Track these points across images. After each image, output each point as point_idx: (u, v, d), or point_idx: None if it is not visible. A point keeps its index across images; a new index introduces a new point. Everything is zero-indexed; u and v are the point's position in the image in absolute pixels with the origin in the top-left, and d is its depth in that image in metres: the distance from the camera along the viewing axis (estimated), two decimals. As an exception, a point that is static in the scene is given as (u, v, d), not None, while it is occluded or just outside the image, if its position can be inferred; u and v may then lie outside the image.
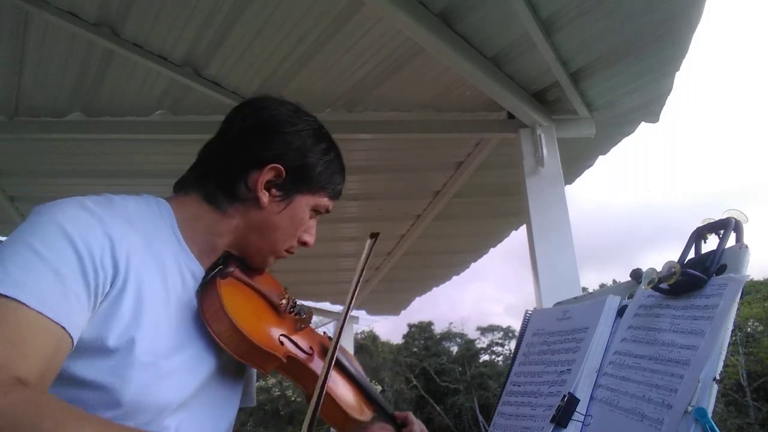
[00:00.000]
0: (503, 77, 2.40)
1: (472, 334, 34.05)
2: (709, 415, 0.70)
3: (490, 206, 3.85)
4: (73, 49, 2.39)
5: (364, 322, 6.90)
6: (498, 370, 29.83)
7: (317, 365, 1.03)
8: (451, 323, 34.62)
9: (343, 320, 1.00)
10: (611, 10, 1.99)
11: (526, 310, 1.25)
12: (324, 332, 1.16)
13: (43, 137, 2.82)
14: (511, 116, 2.64)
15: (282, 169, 0.95)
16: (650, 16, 2.02)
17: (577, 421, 0.90)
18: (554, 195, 2.50)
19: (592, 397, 0.92)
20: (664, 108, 2.63)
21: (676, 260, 0.89)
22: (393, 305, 6.31)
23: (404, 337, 33.88)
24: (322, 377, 0.91)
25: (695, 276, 0.84)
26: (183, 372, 0.87)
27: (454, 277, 5.39)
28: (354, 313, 6.32)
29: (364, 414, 1.12)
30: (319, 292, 5.46)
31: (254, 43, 2.34)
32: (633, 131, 2.86)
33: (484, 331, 33.98)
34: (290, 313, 1.06)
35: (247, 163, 0.96)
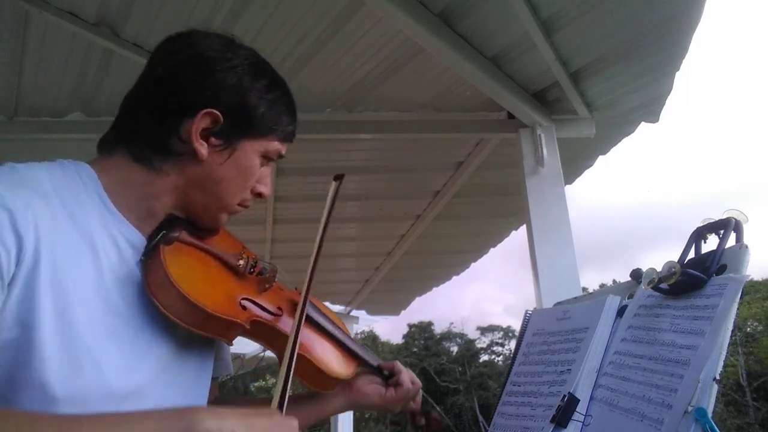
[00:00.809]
0: (503, 77, 2.40)
1: (472, 334, 34.07)
2: (709, 415, 0.70)
3: (490, 206, 3.85)
4: (73, 49, 2.39)
5: (364, 322, 6.90)
6: (498, 370, 29.83)
7: (287, 325, 0.93)
8: (452, 323, 34.62)
9: (310, 273, 0.93)
10: (611, 10, 1.99)
11: (526, 310, 1.25)
12: (296, 288, 1.04)
13: (43, 137, 2.81)
14: (511, 116, 2.64)
15: (218, 113, 0.82)
16: (650, 16, 2.02)
17: (577, 421, 0.90)
18: (554, 195, 2.50)
19: (592, 397, 0.92)
20: (664, 108, 2.63)
21: (676, 260, 0.90)
22: (393, 305, 6.31)
23: (404, 337, 33.89)
24: (293, 335, 0.83)
25: (695, 276, 0.84)
26: (128, 356, 0.77)
27: (454, 277, 5.39)
28: (354, 313, 6.32)
29: (347, 370, 1.05)
30: (319, 292, 5.44)
31: (254, 43, 2.30)
32: (633, 131, 2.86)
33: (484, 331, 33.99)
34: (251, 273, 0.95)
35: (176, 112, 0.82)
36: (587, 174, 3.25)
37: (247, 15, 2.19)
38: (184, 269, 0.81)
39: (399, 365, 1.16)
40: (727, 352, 0.74)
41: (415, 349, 32.98)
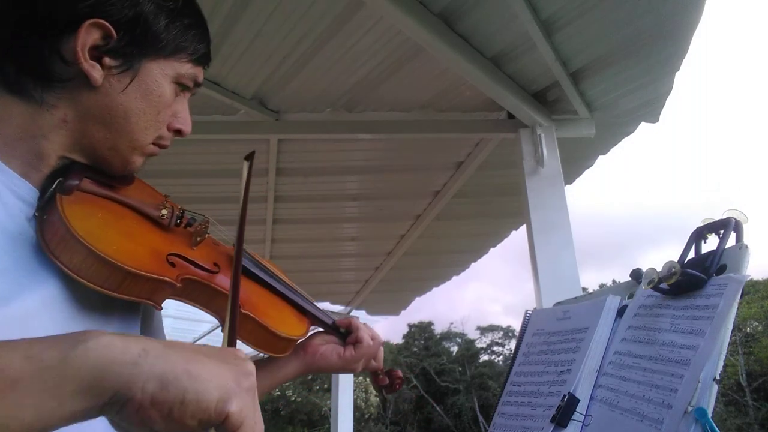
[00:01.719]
0: (503, 77, 2.40)
1: (472, 334, 34.09)
2: (709, 415, 0.70)
3: (490, 206, 3.85)
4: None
5: (364, 322, 6.90)
6: (498, 370, 29.85)
7: (226, 283, 0.80)
8: (452, 323, 34.65)
9: (240, 224, 0.79)
10: (611, 10, 1.99)
11: (526, 310, 1.25)
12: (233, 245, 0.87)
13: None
14: (511, 116, 2.65)
15: (107, 25, 0.67)
16: (650, 16, 2.02)
17: (577, 421, 0.90)
18: (554, 195, 2.50)
19: (592, 397, 0.92)
20: (664, 108, 2.63)
21: (676, 260, 0.90)
22: (393, 305, 6.32)
23: (404, 337, 33.91)
24: (232, 291, 0.72)
25: (695, 276, 0.84)
26: (27, 324, 0.61)
27: (454, 277, 5.40)
28: (354, 313, 6.31)
29: (299, 329, 0.92)
30: (319, 292, 5.46)
31: (254, 43, 2.34)
32: (633, 131, 2.86)
33: (484, 331, 34.02)
34: (178, 225, 0.81)
35: (52, 25, 0.67)
36: (587, 174, 3.26)
37: (247, 15, 2.19)
38: (92, 222, 0.68)
39: (356, 321, 1.05)
40: (727, 352, 0.74)
41: (415, 349, 33.00)
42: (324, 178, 3.39)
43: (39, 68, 0.68)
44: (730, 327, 0.76)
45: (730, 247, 0.85)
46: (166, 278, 0.70)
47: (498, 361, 32.43)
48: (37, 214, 0.68)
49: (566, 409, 0.90)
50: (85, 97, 0.70)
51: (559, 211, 2.48)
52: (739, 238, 0.84)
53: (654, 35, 2.11)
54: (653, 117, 2.71)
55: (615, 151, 3.04)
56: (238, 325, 0.74)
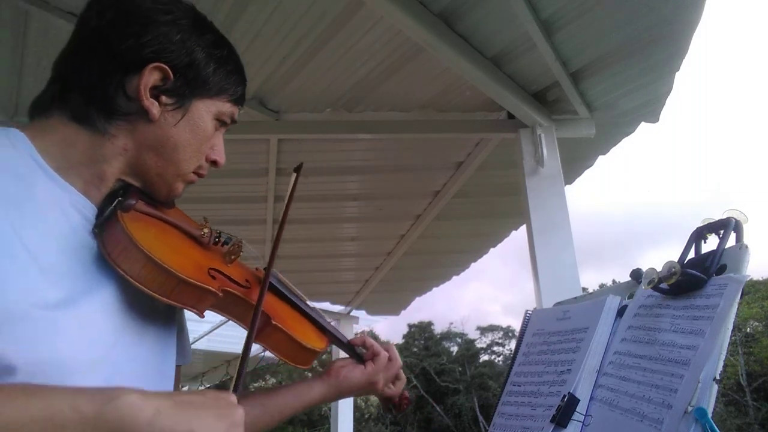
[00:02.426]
0: (503, 77, 2.40)
1: (472, 334, 34.09)
2: (709, 415, 0.70)
3: (490, 206, 3.85)
4: (73, 49, 2.38)
5: (364, 322, 6.89)
6: (498, 370, 29.85)
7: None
8: (452, 323, 34.65)
9: (275, 241, 0.91)
10: (611, 10, 1.99)
11: (526, 310, 1.25)
12: (257, 268, 1.01)
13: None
14: (511, 116, 2.65)
15: (168, 68, 0.78)
16: (650, 16, 2.02)
17: (577, 421, 0.90)
18: (554, 195, 2.50)
19: (592, 397, 0.92)
20: (664, 108, 2.63)
21: (676, 260, 0.90)
22: (393, 305, 6.31)
23: (404, 337, 33.90)
24: (258, 300, 0.81)
25: (695, 276, 0.84)
26: (87, 324, 0.71)
27: (454, 277, 5.39)
28: (354, 313, 6.32)
29: (320, 343, 1.02)
30: (319, 292, 5.46)
31: (254, 43, 2.34)
32: (633, 131, 2.86)
33: (484, 330, 34.01)
34: (215, 244, 0.91)
35: (120, 66, 0.77)
36: (587, 173, 3.26)
37: (246, 15, 2.19)
38: (149, 235, 0.77)
39: (369, 339, 1.13)
40: (727, 352, 0.74)
41: (415, 349, 32.98)
42: (324, 178, 3.39)
43: (105, 102, 0.77)
44: (730, 327, 0.76)
45: (730, 247, 0.85)
46: (211, 288, 0.80)
47: (498, 361, 32.44)
48: (96, 230, 0.77)
49: (566, 409, 0.90)
50: (142, 129, 0.79)
51: (559, 211, 2.48)
52: (739, 238, 0.84)
53: (654, 35, 2.11)
54: (653, 117, 2.70)
55: (615, 151, 3.04)
56: (266, 337, 0.91)
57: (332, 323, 1.11)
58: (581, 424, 0.90)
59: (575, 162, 3.10)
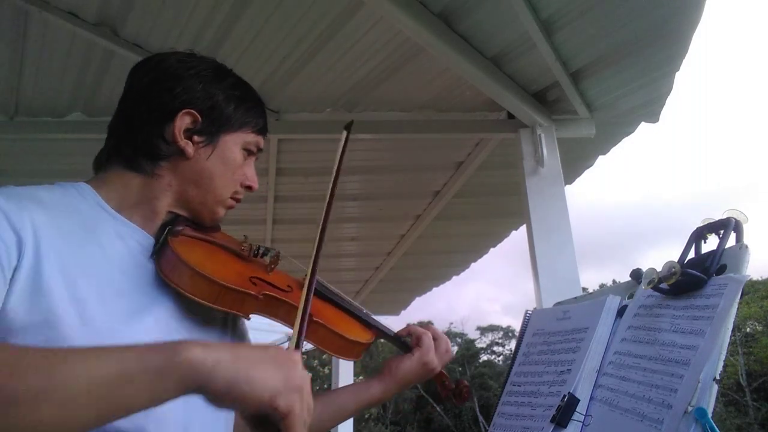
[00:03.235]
0: (503, 77, 2.40)
1: (472, 334, 34.08)
2: (709, 415, 0.70)
3: (490, 206, 3.85)
4: (73, 49, 2.39)
5: (364, 322, 6.90)
6: (498, 370, 29.85)
7: (299, 300, 0.98)
8: (451, 323, 34.63)
9: (320, 232, 1.01)
10: (611, 10, 1.99)
11: (526, 310, 1.25)
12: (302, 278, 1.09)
13: (43, 137, 2.82)
14: (511, 116, 2.64)
15: (195, 112, 0.93)
16: (650, 16, 2.02)
17: (577, 421, 0.90)
18: (554, 195, 2.50)
19: (592, 397, 0.92)
20: (664, 108, 2.63)
21: (676, 260, 0.89)
22: (393, 305, 6.31)
23: (404, 337, 33.84)
24: (304, 295, 0.90)
25: (695, 276, 0.84)
26: (148, 333, 0.83)
27: (453, 277, 5.39)
28: (354, 313, 6.32)
29: (365, 335, 1.10)
30: (319, 291, 5.45)
31: (254, 43, 2.34)
32: (633, 131, 2.85)
33: (484, 331, 34.01)
34: (256, 256, 1.03)
35: (158, 118, 0.93)
36: (587, 173, 3.25)
37: (246, 15, 2.19)
38: (195, 253, 0.90)
39: (414, 327, 1.19)
40: (727, 352, 0.74)
41: (415, 349, 32.86)
42: (324, 178, 3.38)
43: (150, 149, 0.92)
44: (730, 327, 0.76)
45: (730, 247, 0.85)
46: (250, 291, 0.92)
47: (498, 361, 32.43)
48: (154, 256, 0.91)
49: (566, 409, 0.91)
50: (182, 166, 0.94)
51: (559, 211, 2.48)
52: (739, 238, 0.84)
53: (654, 35, 2.11)
54: (653, 117, 2.70)
55: (615, 151, 3.04)
56: (312, 333, 0.99)
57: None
58: (581, 424, 0.90)
59: (575, 162, 3.10)
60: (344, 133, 1.13)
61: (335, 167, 1.07)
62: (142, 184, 0.93)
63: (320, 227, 1.04)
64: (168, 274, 0.87)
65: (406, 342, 1.18)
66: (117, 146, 0.94)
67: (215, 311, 0.91)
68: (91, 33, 2.28)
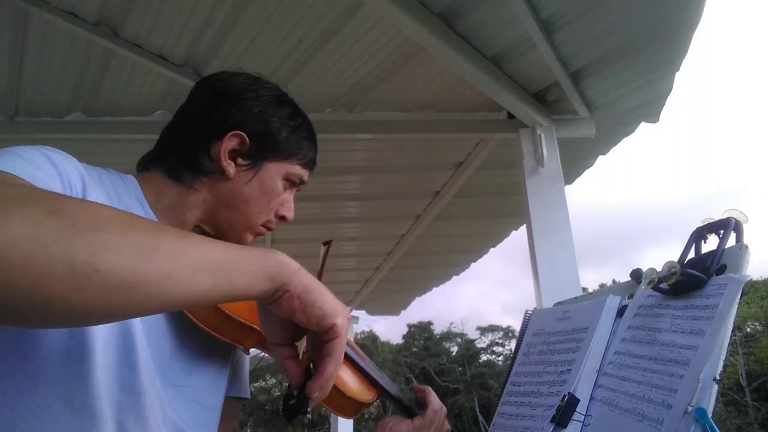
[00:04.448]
0: (503, 77, 2.40)
1: (472, 334, 34.10)
2: (709, 415, 0.70)
3: (490, 206, 3.85)
4: (73, 49, 2.39)
5: (364, 322, 6.91)
6: (498, 370, 29.87)
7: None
8: (452, 323, 34.65)
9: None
10: (611, 10, 1.99)
11: (526, 310, 1.25)
12: None
13: (43, 137, 2.82)
14: (511, 116, 2.65)
15: (244, 135, 0.92)
16: (650, 15, 2.02)
17: (577, 421, 0.90)
18: (554, 195, 2.50)
19: (592, 397, 0.92)
20: (664, 108, 2.63)
21: (676, 260, 0.89)
22: (393, 305, 6.32)
23: (404, 337, 33.94)
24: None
25: (695, 276, 0.84)
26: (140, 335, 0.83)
27: (453, 277, 5.39)
28: (354, 313, 6.32)
29: (368, 395, 1.05)
30: (319, 292, 5.46)
31: (254, 43, 2.34)
32: (633, 131, 2.86)
33: (484, 331, 34.03)
34: None
35: (207, 134, 0.92)
36: (587, 173, 3.26)
37: (247, 15, 2.19)
38: None
39: (420, 386, 1.16)
40: (727, 352, 0.74)
41: (415, 349, 33.00)
42: (324, 178, 3.39)
43: (193, 161, 0.92)
44: (730, 327, 0.76)
45: (730, 247, 0.85)
46: (255, 326, 0.89)
47: (498, 361, 32.45)
48: None
49: (566, 409, 0.90)
50: (220, 185, 0.92)
51: (559, 211, 2.48)
52: (739, 238, 0.84)
53: (654, 35, 2.11)
54: (653, 117, 2.70)
55: (615, 151, 3.04)
56: None
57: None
58: (581, 424, 0.90)
59: (575, 162, 3.10)
60: (322, 249, 1.08)
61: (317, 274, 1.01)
62: (178, 194, 0.92)
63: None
64: None
65: (407, 406, 1.12)
66: (163, 152, 0.94)
67: (212, 336, 0.90)
68: (91, 33, 2.29)
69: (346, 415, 1.03)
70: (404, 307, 6.40)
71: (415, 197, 3.78)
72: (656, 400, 0.79)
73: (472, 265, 5.05)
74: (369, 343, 30.09)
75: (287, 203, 0.99)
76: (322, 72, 2.51)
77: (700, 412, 0.71)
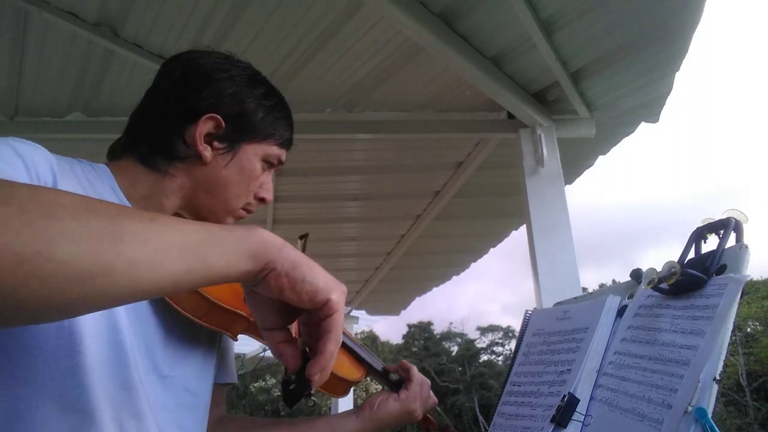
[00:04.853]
0: (503, 77, 2.40)
1: (472, 334, 34.10)
2: (709, 415, 0.70)
3: (490, 206, 3.85)
4: (73, 49, 2.39)
5: (364, 322, 6.90)
6: (498, 370, 29.86)
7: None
8: (451, 323, 34.65)
9: None
10: (611, 10, 1.99)
11: (526, 310, 1.25)
12: None
13: (43, 137, 2.81)
14: (511, 116, 2.65)
15: (220, 118, 0.88)
16: (650, 15, 2.02)
17: (577, 421, 0.90)
18: (554, 195, 2.50)
19: (592, 397, 0.92)
20: (664, 108, 2.63)
21: (676, 260, 0.89)
22: (393, 305, 6.32)
23: (404, 337, 33.94)
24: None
25: (695, 276, 0.84)
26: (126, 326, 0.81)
27: (453, 277, 5.39)
28: (354, 313, 6.32)
29: (356, 374, 1.04)
30: (319, 292, 5.45)
31: (254, 43, 2.34)
32: (633, 131, 2.86)
33: (484, 331, 34.02)
34: None
35: (180, 118, 0.89)
36: (587, 173, 3.26)
37: (246, 15, 2.19)
38: None
39: (406, 365, 1.16)
40: (727, 352, 0.74)
41: (415, 349, 32.99)
42: (324, 178, 3.39)
43: (167, 147, 0.89)
44: (730, 327, 0.76)
45: (730, 247, 0.85)
46: (241, 312, 0.88)
47: (498, 361, 32.45)
48: None
49: (566, 409, 0.90)
50: (197, 170, 0.90)
51: (559, 211, 2.48)
52: (739, 238, 0.84)
53: (654, 35, 2.11)
54: (653, 117, 2.70)
55: (615, 151, 3.04)
56: None
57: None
58: (581, 424, 0.90)
59: (575, 162, 3.10)
60: (299, 243, 1.05)
61: None
62: (154, 181, 0.89)
63: None
64: None
65: (393, 380, 1.13)
66: (134, 139, 0.91)
67: (199, 325, 0.88)
68: (91, 33, 2.29)
69: (336, 395, 1.02)
70: (404, 307, 6.40)
71: (415, 197, 3.78)
72: (656, 400, 0.79)
73: (472, 265, 5.05)
74: (369, 343, 30.11)
75: (266, 185, 0.98)
76: (322, 72, 2.51)
77: (700, 412, 0.71)
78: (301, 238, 1.05)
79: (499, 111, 2.72)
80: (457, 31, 2.17)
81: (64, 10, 2.21)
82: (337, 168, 3.31)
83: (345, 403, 6.06)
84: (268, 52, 2.39)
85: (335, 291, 0.63)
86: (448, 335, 34.08)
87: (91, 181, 0.83)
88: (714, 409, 0.71)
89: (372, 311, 6.44)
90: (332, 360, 0.64)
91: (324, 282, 0.63)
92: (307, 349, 0.67)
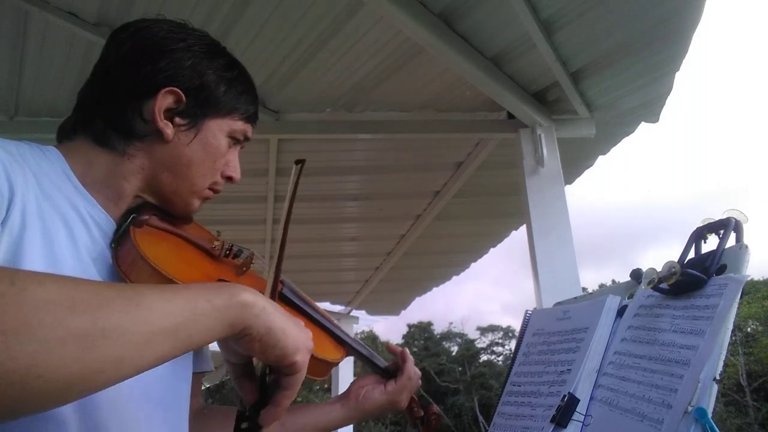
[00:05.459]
0: (503, 77, 2.40)
1: (472, 333, 34.09)
2: (709, 415, 0.70)
3: (490, 206, 3.85)
4: (73, 49, 2.39)
5: (364, 322, 6.90)
6: (498, 370, 29.84)
7: None
8: (451, 323, 34.64)
9: (281, 242, 0.86)
10: (611, 10, 1.99)
11: (526, 310, 1.25)
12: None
13: (43, 137, 2.80)
14: (511, 116, 2.65)
15: (180, 92, 0.82)
16: (650, 16, 2.02)
17: (577, 421, 0.90)
18: (554, 195, 2.50)
19: (592, 397, 0.92)
20: (664, 108, 2.63)
21: (676, 260, 0.89)
22: (393, 305, 6.32)
23: (404, 337, 33.90)
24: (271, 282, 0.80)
25: (695, 276, 0.84)
26: None
27: (453, 277, 5.39)
28: (354, 313, 6.32)
29: (335, 354, 0.98)
30: (319, 292, 5.46)
31: (254, 43, 2.34)
32: (633, 131, 2.86)
33: (484, 331, 34.00)
34: (227, 256, 0.92)
35: (136, 92, 0.82)
36: (587, 173, 3.26)
37: (247, 15, 2.19)
38: (157, 249, 0.79)
39: (405, 351, 1.11)
40: (727, 352, 0.74)
41: (415, 349, 32.96)
42: (324, 178, 3.39)
43: (123, 125, 0.82)
44: (730, 327, 0.76)
45: (730, 247, 0.85)
46: None
47: (498, 361, 32.43)
48: (113, 245, 0.80)
49: (566, 409, 0.90)
50: (158, 149, 0.83)
51: (559, 211, 2.48)
52: (739, 238, 0.84)
53: (654, 35, 2.11)
54: (653, 117, 2.71)
55: (615, 151, 3.04)
56: None
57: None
58: (581, 424, 0.90)
59: (575, 162, 3.10)
60: (294, 168, 0.98)
61: (287, 202, 0.91)
62: (111, 162, 0.82)
63: (280, 243, 0.87)
64: (124, 269, 0.76)
65: (379, 366, 1.09)
66: (87, 117, 0.84)
67: None
68: (91, 33, 2.28)
69: (317, 377, 0.96)
70: (404, 307, 6.40)
71: (415, 197, 3.78)
72: (656, 400, 0.79)
73: (472, 265, 5.05)
74: (369, 343, 30.12)
75: (232, 162, 0.91)
76: (322, 72, 2.51)
77: (700, 412, 0.71)
78: (296, 163, 0.97)
79: (499, 111, 2.72)
80: (457, 31, 2.17)
81: (64, 10, 2.21)
82: (337, 168, 3.31)
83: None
84: (268, 52, 2.39)
85: (300, 352, 0.66)
86: (448, 335, 34.08)
87: (44, 168, 0.76)
88: (714, 409, 0.71)
89: (372, 311, 6.44)
90: (285, 411, 0.68)
91: (293, 345, 0.65)
92: (267, 371, 0.71)
